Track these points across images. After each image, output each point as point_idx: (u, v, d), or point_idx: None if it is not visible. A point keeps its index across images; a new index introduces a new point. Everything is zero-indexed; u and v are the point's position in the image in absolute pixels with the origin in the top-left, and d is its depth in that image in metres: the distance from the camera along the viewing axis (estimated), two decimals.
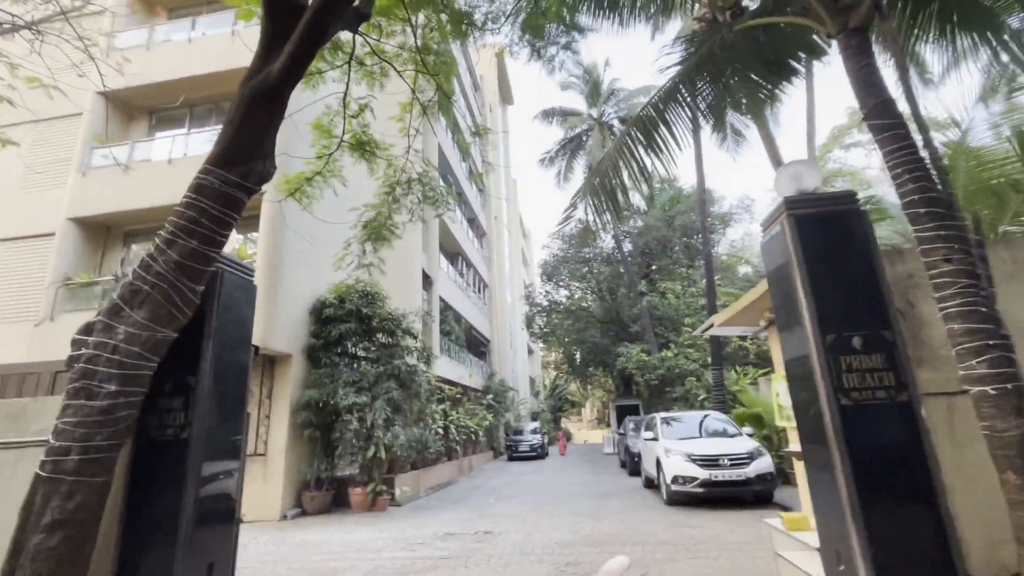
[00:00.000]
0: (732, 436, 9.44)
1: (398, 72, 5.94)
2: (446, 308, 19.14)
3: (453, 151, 21.57)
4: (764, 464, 8.27)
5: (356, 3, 3.92)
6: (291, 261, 10.36)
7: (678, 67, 5.00)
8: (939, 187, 2.72)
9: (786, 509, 7.34)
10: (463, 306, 21.66)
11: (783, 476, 9.22)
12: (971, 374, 2.50)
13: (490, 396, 22.65)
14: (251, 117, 3.58)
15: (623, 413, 22.86)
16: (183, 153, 10.79)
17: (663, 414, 11.24)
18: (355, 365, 10.63)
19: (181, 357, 3.44)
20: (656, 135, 5.02)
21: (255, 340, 9.78)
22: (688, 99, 4.81)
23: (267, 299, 9.56)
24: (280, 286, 9.90)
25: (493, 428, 22.89)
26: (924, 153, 2.95)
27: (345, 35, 5.22)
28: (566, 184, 27.73)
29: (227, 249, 3.66)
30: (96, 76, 5.39)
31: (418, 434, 10.72)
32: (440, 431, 14.03)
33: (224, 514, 3.51)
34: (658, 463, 9.35)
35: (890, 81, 3.30)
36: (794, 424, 3.59)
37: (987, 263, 2.71)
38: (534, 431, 24.59)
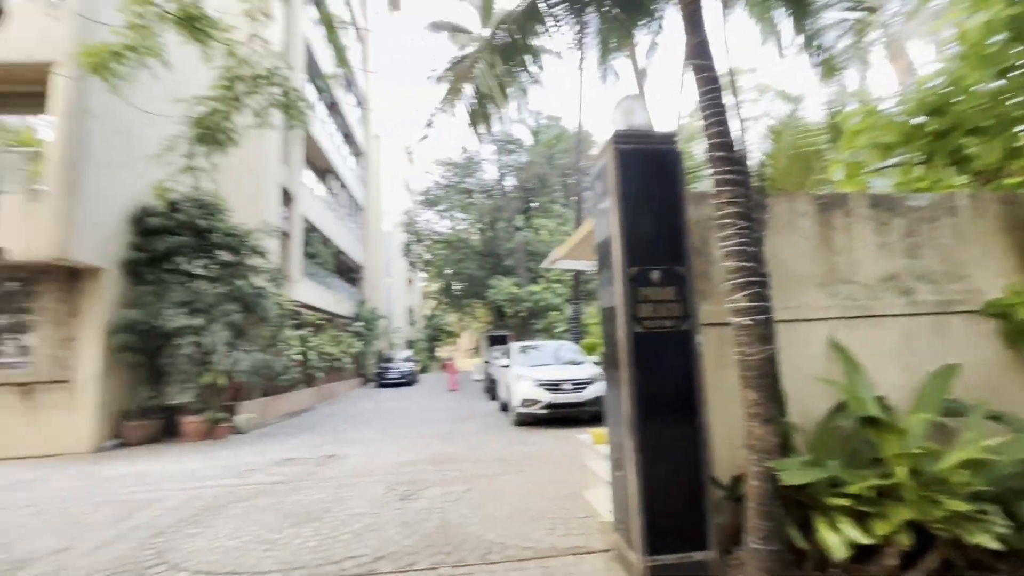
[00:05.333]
0: (578, 364, 10.27)
1: None
2: (312, 229, 17.72)
3: (327, 52, 19.18)
4: (601, 387, 9.16)
5: None
6: (100, 157, 8.58)
7: None
8: (735, 135, 2.90)
9: None
10: (332, 228, 20.25)
11: None
12: (735, 306, 2.82)
13: (360, 323, 22.04)
14: None
15: (493, 343, 23.80)
16: None
17: (519, 343, 11.83)
18: (189, 284, 9.43)
19: None
20: (517, 49, 4.81)
21: (48, 249, 8.08)
22: (551, 13, 4.63)
23: (64, 199, 7.91)
24: (83, 185, 8.19)
25: (362, 355, 22.50)
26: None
27: None
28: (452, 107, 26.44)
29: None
30: None
31: (264, 360, 10.03)
32: (297, 357, 13.36)
33: None
34: (509, 387, 9.89)
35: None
36: None
37: (764, 208, 3.02)
38: (406, 359, 24.72)
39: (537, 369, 9.82)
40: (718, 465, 3.16)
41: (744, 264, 2.78)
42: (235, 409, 9.91)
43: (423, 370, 33.23)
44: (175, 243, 9.39)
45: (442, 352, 42.34)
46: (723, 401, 3.22)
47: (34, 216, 7.69)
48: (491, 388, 14.85)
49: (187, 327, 8.84)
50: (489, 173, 28.20)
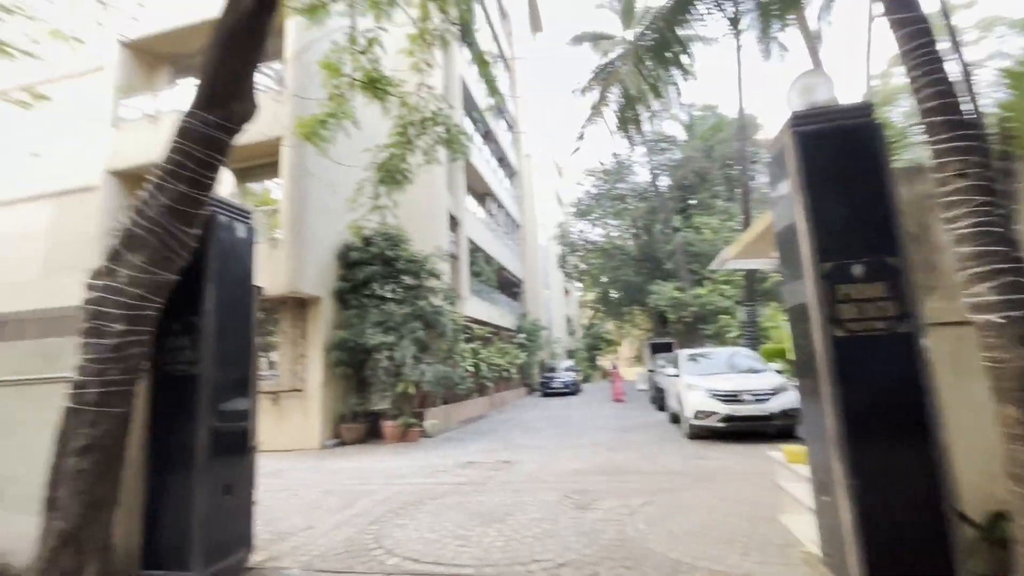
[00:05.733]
0: (758, 372, 9.29)
1: None
2: (476, 249, 19.18)
3: (479, 86, 20.76)
4: (788, 399, 8.13)
5: None
6: (315, 207, 10.50)
7: None
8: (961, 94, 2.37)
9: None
10: (493, 247, 21.64)
11: None
12: (978, 301, 2.28)
13: (522, 335, 23.04)
14: (227, 56, 3.50)
15: (656, 351, 22.76)
16: None
17: (688, 351, 11.14)
18: (382, 306, 10.93)
19: (186, 298, 3.60)
20: (666, 44, 4.67)
21: (284, 285, 10.02)
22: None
23: (293, 244, 9.83)
24: (305, 231, 10.12)
25: (526, 366, 23.44)
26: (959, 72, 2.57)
27: None
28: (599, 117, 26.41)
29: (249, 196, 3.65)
30: (114, 27, 5.41)
31: (444, 371, 11.10)
32: (471, 368, 14.49)
33: (237, 442, 3.79)
34: (680, 398, 9.36)
35: None
36: None
37: (1011, 177, 2.40)
38: (567, 369, 25.06)
39: (710, 378, 9.13)
40: (965, 497, 2.58)
41: (987, 248, 2.25)
42: (423, 415, 11.13)
43: (585, 379, 33.28)
44: (370, 272, 11.00)
45: (603, 361, 41.94)
46: (968, 418, 2.63)
47: (274, 259, 9.71)
48: (658, 398, 14.23)
49: (382, 343, 10.25)
50: (641, 175, 27.38)
